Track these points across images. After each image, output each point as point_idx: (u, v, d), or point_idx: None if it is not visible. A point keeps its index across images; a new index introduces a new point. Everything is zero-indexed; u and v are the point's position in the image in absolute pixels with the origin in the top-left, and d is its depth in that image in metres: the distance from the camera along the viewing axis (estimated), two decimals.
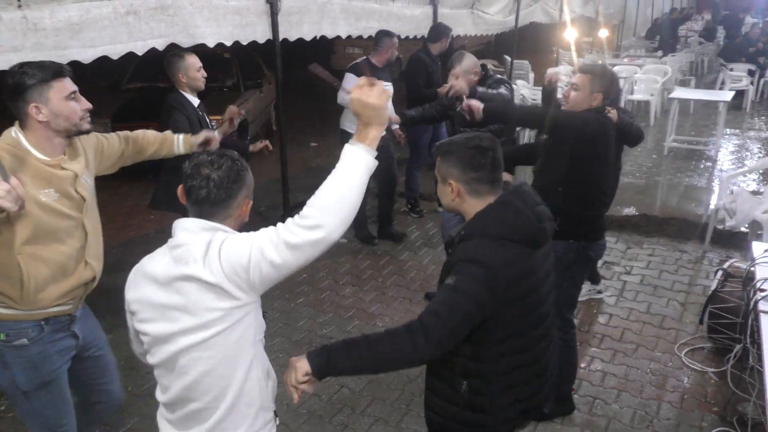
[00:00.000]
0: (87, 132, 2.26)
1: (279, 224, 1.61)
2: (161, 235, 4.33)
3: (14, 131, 2.12)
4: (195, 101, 3.80)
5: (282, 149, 5.20)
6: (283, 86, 5.28)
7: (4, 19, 3.02)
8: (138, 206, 6.50)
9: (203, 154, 1.73)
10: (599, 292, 4.60)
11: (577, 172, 2.98)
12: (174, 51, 3.77)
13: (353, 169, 1.59)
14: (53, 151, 2.16)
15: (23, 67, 2.05)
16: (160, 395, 1.83)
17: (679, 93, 8.86)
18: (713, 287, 3.85)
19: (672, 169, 7.69)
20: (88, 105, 2.21)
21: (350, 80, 5.06)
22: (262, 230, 1.62)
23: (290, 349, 3.92)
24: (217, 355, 1.66)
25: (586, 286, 4.49)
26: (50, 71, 2.07)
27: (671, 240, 5.55)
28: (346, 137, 5.16)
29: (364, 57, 5.31)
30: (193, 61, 3.70)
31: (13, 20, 3.04)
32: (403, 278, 4.95)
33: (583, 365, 3.73)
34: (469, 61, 3.84)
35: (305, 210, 1.58)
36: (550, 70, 4.50)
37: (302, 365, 1.76)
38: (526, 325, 1.92)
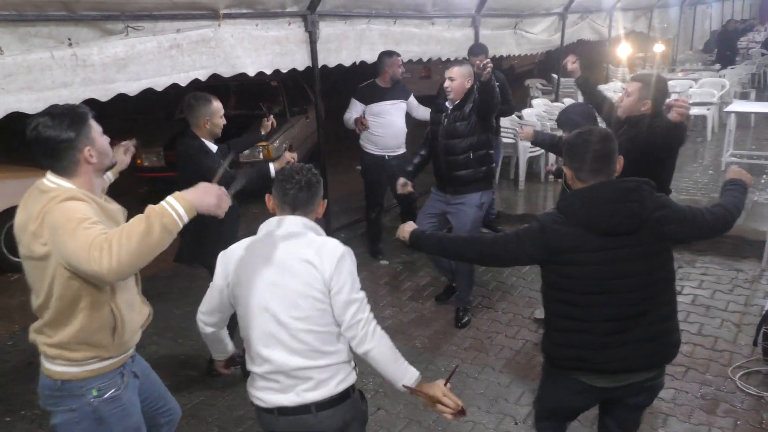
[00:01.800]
0: (114, 165, 2.35)
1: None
2: (177, 271, 4.34)
3: (56, 181, 1.99)
4: (213, 147, 3.62)
5: (323, 172, 5.31)
6: (330, 111, 5.42)
7: (56, 57, 3.24)
8: None
9: (288, 167, 2.17)
10: None
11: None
12: (197, 93, 3.56)
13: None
14: (97, 192, 2.12)
15: (55, 118, 1.94)
16: (257, 367, 2.08)
17: (736, 106, 8.53)
18: None
19: None
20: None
21: (355, 106, 5.28)
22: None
23: None
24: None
25: None
26: (86, 113, 2.03)
27: (726, 258, 5.31)
28: (365, 157, 5.40)
29: (370, 80, 5.32)
30: (219, 107, 3.57)
31: (63, 57, 3.26)
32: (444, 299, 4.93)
33: None
34: (467, 68, 4.20)
35: None
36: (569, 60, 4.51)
37: (409, 228, 2.62)
38: (575, 290, 2.27)
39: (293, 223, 2.09)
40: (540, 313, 4.62)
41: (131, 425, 2.19)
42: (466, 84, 4.15)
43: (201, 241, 3.57)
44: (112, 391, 2.11)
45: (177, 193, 1.82)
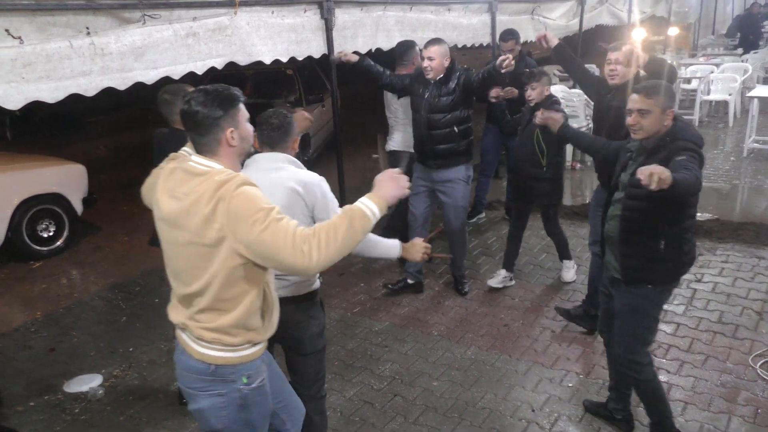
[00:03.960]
0: (252, 153, 2.46)
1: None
2: None
3: (206, 162, 1.97)
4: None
5: (339, 160, 5.30)
6: (348, 99, 5.39)
7: (75, 46, 3.26)
8: None
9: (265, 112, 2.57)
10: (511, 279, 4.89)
11: None
12: (172, 87, 3.32)
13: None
14: None
15: (208, 95, 1.95)
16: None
17: (759, 91, 8.36)
18: None
19: (751, 171, 7.27)
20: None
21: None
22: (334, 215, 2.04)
23: (345, 358, 3.98)
24: None
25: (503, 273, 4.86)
26: (237, 96, 2.02)
27: (748, 246, 5.24)
28: (394, 158, 5.16)
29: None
30: None
31: (82, 46, 3.28)
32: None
33: None
34: (445, 47, 4.33)
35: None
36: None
37: (560, 118, 3.16)
38: (696, 202, 2.72)
39: (273, 158, 2.58)
40: (496, 282, 4.82)
41: (266, 413, 2.22)
42: (445, 62, 4.27)
43: None
44: (260, 380, 2.12)
45: (369, 195, 2.01)
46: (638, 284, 2.82)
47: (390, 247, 2.67)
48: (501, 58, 4.00)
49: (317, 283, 2.70)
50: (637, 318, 2.86)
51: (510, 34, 5.81)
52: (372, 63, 4.66)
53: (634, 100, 2.67)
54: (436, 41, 4.32)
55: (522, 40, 7.52)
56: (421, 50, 4.55)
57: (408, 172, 3.91)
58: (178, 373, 2.16)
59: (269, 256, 1.86)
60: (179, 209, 1.94)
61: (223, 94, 1.97)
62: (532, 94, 4.40)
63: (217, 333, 2.00)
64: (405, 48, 5.05)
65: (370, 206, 1.97)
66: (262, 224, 1.83)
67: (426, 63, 4.26)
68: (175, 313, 2.11)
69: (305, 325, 2.66)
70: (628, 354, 2.92)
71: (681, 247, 2.74)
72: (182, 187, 1.95)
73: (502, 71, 4.01)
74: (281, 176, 2.52)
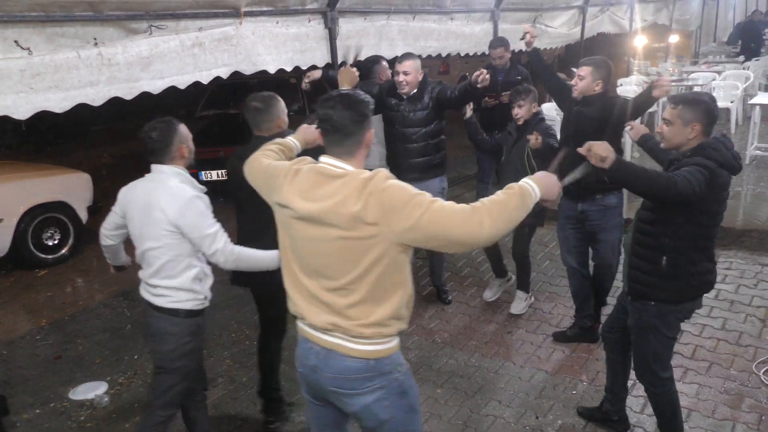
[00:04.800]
0: None
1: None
2: None
3: (340, 164, 2.00)
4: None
5: None
6: None
7: (82, 56, 3.30)
8: None
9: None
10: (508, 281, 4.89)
11: None
12: (262, 96, 3.17)
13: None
14: None
15: (351, 100, 2.00)
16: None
17: (761, 98, 8.38)
18: None
19: (754, 178, 7.28)
20: None
21: None
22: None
23: None
24: None
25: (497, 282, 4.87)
26: (371, 100, 2.10)
27: (751, 253, 5.24)
28: None
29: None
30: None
31: (89, 57, 3.33)
32: (463, 294, 4.94)
33: None
34: (418, 62, 4.26)
35: None
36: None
37: (607, 150, 2.42)
38: (715, 224, 2.65)
39: (157, 170, 2.64)
40: (490, 295, 4.81)
41: (418, 395, 2.24)
42: (419, 76, 4.24)
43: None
44: (407, 365, 2.15)
45: (533, 177, 2.06)
46: (642, 301, 2.79)
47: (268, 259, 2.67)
48: (476, 73, 3.93)
49: (192, 303, 2.68)
50: (647, 334, 2.84)
51: (500, 42, 5.84)
52: (336, 74, 4.43)
53: (666, 110, 2.72)
54: (409, 56, 4.27)
55: (524, 49, 7.59)
56: (391, 65, 4.43)
57: None
58: (323, 380, 2.07)
59: (436, 235, 1.89)
60: (322, 209, 1.94)
61: (363, 100, 2.04)
62: (520, 112, 4.26)
63: (376, 327, 2.00)
64: (371, 63, 4.95)
65: (534, 188, 2.02)
66: (420, 209, 1.86)
67: (401, 78, 4.19)
68: (315, 315, 2.05)
69: (164, 339, 2.70)
70: (641, 367, 2.92)
71: (686, 267, 2.67)
72: (319, 190, 1.97)
73: (478, 86, 3.94)
74: (155, 190, 2.59)
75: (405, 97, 4.30)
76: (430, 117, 4.31)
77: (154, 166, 2.65)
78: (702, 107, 2.60)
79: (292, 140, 2.56)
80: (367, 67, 4.89)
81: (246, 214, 3.20)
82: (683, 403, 3.42)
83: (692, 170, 2.48)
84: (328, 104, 1.99)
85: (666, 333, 2.81)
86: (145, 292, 2.76)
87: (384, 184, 1.91)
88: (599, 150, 2.40)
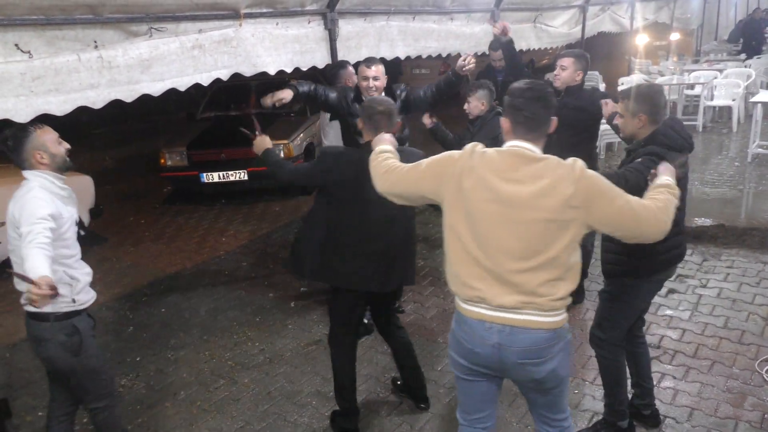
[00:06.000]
0: None
1: None
2: (233, 257, 4.58)
3: (532, 147, 2.19)
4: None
5: None
6: None
7: (83, 59, 3.29)
8: (212, 229, 6.85)
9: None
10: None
11: None
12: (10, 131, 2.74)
13: None
14: None
15: (541, 93, 2.21)
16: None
17: (763, 96, 8.37)
18: None
19: (756, 176, 7.26)
20: None
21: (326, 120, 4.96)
22: None
23: None
24: None
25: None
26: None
27: (753, 251, 5.23)
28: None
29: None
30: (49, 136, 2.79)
31: (90, 60, 3.32)
32: None
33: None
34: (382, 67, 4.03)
35: None
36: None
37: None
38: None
39: (24, 175, 2.68)
40: None
41: None
42: (384, 82, 4.01)
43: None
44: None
45: (667, 172, 2.40)
46: (615, 278, 2.94)
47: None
48: (461, 59, 3.88)
49: (58, 307, 2.67)
50: (614, 304, 2.98)
51: (499, 44, 5.82)
52: (308, 89, 4.15)
53: (618, 103, 2.92)
54: (377, 60, 4.03)
55: (525, 48, 7.60)
56: (360, 69, 4.04)
57: None
58: (509, 355, 2.20)
59: (627, 226, 2.13)
60: (533, 193, 2.09)
61: (550, 92, 2.25)
62: (468, 107, 4.24)
63: (562, 300, 2.18)
64: (337, 68, 4.76)
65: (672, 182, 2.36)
66: (621, 199, 2.11)
67: (371, 83, 3.92)
68: (502, 296, 2.17)
69: (42, 345, 2.72)
70: (595, 328, 3.07)
71: (655, 244, 2.66)
72: (518, 172, 2.12)
73: (463, 72, 3.86)
74: (12, 194, 2.65)
75: None
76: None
77: (22, 172, 2.69)
78: (643, 98, 2.77)
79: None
80: (332, 72, 4.78)
81: (347, 209, 3.09)
82: (686, 401, 3.43)
83: (638, 164, 2.66)
84: (521, 96, 2.17)
85: (634, 303, 2.97)
86: (22, 299, 2.67)
87: (588, 171, 2.12)
88: None
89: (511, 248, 2.13)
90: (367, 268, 3.07)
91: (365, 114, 2.95)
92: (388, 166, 2.43)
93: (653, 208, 2.16)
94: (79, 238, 2.82)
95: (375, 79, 3.94)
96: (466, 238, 2.19)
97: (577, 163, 2.12)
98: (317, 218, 3.31)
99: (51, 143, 2.75)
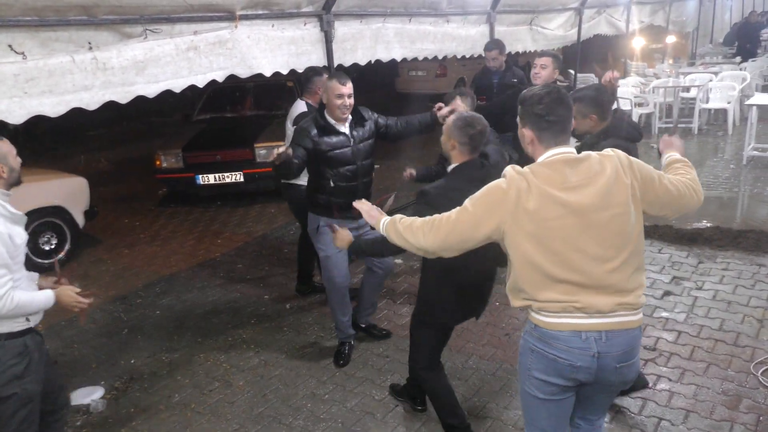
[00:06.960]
0: None
1: None
2: (228, 259, 4.54)
3: (569, 149, 2.20)
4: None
5: None
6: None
7: (77, 60, 3.28)
8: (207, 231, 6.83)
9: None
10: None
11: None
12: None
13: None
14: None
15: (563, 97, 2.19)
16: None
17: (758, 99, 8.39)
18: None
19: (751, 179, 7.28)
20: None
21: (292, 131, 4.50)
22: None
23: (346, 368, 3.99)
24: None
25: None
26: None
27: (748, 253, 5.24)
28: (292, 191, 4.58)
29: (304, 104, 4.77)
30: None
31: (84, 61, 3.30)
32: None
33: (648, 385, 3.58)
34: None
35: None
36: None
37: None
38: None
39: None
40: None
41: None
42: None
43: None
44: None
45: (675, 147, 2.53)
46: None
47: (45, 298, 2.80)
48: (446, 109, 3.75)
49: (8, 326, 2.59)
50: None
51: (494, 45, 5.85)
52: (299, 162, 3.66)
53: None
54: (347, 76, 3.74)
55: (521, 50, 7.62)
56: (332, 86, 3.70)
57: None
58: (609, 361, 2.14)
59: (673, 204, 2.20)
60: (595, 193, 2.08)
61: (566, 92, 2.26)
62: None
63: (642, 289, 2.19)
64: (311, 74, 4.65)
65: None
66: (664, 179, 2.19)
67: (347, 101, 3.68)
68: (600, 302, 2.10)
69: None
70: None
71: None
72: (572, 177, 2.10)
73: (442, 121, 3.58)
74: None
75: (351, 127, 3.82)
76: (373, 144, 3.94)
77: None
78: (587, 101, 3.12)
79: None
80: (307, 77, 4.70)
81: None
82: (681, 404, 3.42)
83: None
84: (540, 102, 2.14)
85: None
86: None
87: (631, 157, 2.18)
88: None
89: (596, 253, 2.08)
90: (476, 297, 3.15)
91: (463, 134, 2.80)
92: (423, 223, 2.28)
93: (685, 181, 2.24)
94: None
95: (350, 96, 3.69)
96: (539, 263, 2.09)
97: (617, 152, 2.16)
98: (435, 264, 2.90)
99: (12, 156, 2.62)
